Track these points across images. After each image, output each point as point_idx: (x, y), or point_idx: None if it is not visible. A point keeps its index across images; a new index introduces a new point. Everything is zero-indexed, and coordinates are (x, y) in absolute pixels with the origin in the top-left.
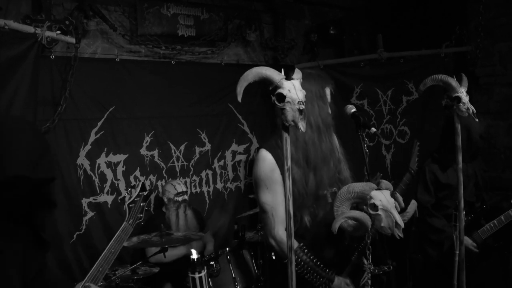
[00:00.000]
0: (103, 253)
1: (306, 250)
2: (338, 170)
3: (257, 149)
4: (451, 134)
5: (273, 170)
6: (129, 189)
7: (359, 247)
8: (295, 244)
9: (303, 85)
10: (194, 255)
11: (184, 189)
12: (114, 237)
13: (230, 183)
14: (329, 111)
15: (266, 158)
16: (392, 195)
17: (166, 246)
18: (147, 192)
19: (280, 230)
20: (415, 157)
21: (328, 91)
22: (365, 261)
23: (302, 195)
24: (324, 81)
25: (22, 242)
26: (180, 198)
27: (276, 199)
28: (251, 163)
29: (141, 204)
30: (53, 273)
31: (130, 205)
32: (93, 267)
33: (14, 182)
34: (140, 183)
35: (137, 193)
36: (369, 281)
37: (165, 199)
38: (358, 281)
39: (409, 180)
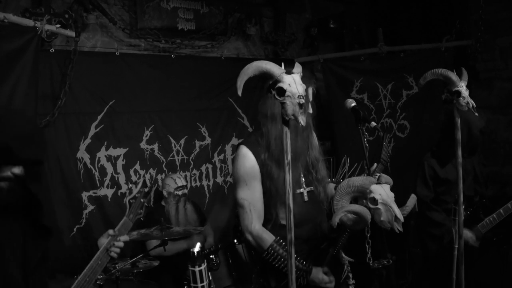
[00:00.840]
0: (103, 247)
1: (283, 244)
2: (315, 170)
3: (237, 146)
4: (451, 129)
5: (253, 167)
6: (130, 185)
7: (338, 241)
8: (272, 238)
9: None
10: (197, 247)
11: (184, 183)
12: (109, 238)
13: (230, 177)
14: (310, 110)
15: (246, 155)
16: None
17: (166, 239)
18: (148, 188)
19: (256, 225)
20: (386, 148)
21: (310, 90)
22: (343, 255)
23: (279, 192)
24: (307, 80)
25: (22, 233)
26: (180, 192)
27: (254, 195)
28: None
29: (142, 200)
30: (53, 266)
31: (131, 201)
32: (92, 260)
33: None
34: (142, 179)
35: (138, 189)
36: (350, 275)
37: (165, 193)
38: (339, 275)
39: (382, 170)
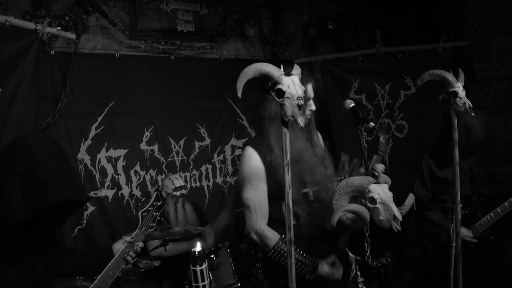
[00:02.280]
0: (114, 258)
1: None
2: (323, 166)
3: (243, 147)
4: (450, 130)
5: (258, 168)
6: (144, 198)
7: (340, 240)
8: (277, 236)
9: None
10: (198, 247)
11: (182, 184)
12: (125, 244)
13: (230, 177)
14: (313, 107)
15: (252, 155)
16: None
17: (167, 239)
18: (161, 202)
19: (262, 224)
20: (384, 139)
21: (310, 87)
22: (350, 254)
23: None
24: (305, 77)
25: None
26: (178, 193)
27: (259, 195)
28: None
29: (154, 213)
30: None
31: (144, 214)
32: (103, 271)
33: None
34: (155, 193)
35: (151, 202)
36: (358, 273)
37: (164, 194)
38: (347, 274)
39: (380, 161)
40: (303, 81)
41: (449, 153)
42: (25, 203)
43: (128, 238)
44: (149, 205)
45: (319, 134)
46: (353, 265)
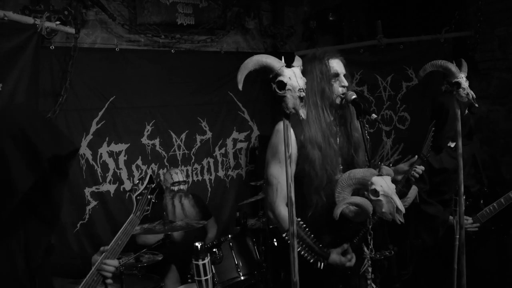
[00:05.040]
0: (110, 245)
1: (304, 226)
2: (357, 153)
3: (279, 121)
4: (440, 119)
5: (292, 146)
6: (137, 182)
7: (361, 232)
8: (295, 220)
9: (304, 70)
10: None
11: (181, 179)
12: (121, 229)
13: (232, 171)
14: (345, 83)
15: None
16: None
17: (164, 237)
18: (154, 184)
19: (280, 205)
20: (429, 142)
21: (334, 63)
22: (365, 249)
23: (319, 176)
24: (327, 54)
25: (23, 227)
26: (176, 188)
27: (284, 174)
28: (252, 150)
29: (149, 196)
30: (57, 262)
31: (138, 198)
32: (99, 260)
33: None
34: (148, 175)
35: (144, 185)
36: (369, 269)
37: (164, 187)
38: (359, 267)
39: (419, 164)
40: (328, 56)
41: (444, 142)
42: (28, 167)
43: (102, 249)
44: (143, 187)
45: (355, 120)
46: (366, 260)
